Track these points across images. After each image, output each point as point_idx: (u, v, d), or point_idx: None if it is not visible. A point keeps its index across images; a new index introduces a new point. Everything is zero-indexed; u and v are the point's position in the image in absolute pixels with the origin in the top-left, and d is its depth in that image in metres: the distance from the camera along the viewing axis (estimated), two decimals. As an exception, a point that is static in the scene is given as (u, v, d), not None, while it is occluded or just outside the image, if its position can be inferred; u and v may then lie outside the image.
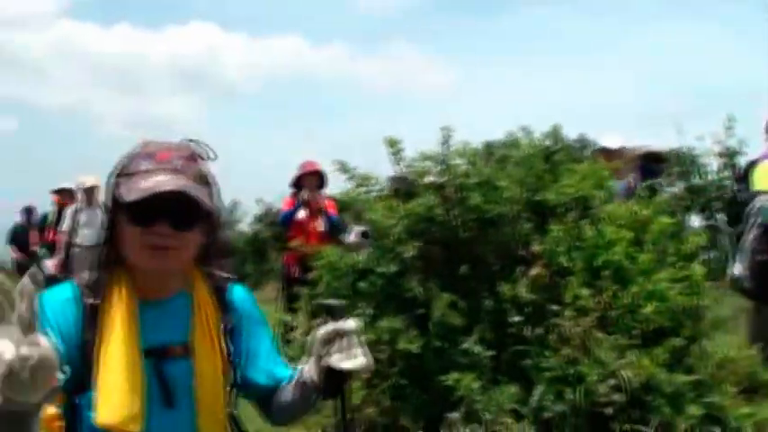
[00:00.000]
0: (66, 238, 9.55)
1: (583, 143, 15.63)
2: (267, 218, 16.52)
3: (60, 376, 1.24)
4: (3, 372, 1.13)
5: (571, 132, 14.87)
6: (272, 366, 1.81)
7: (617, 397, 3.81)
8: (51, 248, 10.53)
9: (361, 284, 4.19)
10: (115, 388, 1.53)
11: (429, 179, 4.34)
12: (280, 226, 8.90)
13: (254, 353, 1.78)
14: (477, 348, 3.95)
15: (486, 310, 4.20)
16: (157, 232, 1.56)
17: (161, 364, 1.62)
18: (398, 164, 4.54)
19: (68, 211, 9.76)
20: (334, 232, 7.38)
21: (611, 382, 3.84)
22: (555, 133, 4.88)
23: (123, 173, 1.60)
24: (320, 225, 7.65)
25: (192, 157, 1.64)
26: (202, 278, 1.76)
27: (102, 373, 1.55)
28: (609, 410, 3.81)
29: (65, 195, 10.77)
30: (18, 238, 12.48)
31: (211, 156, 1.68)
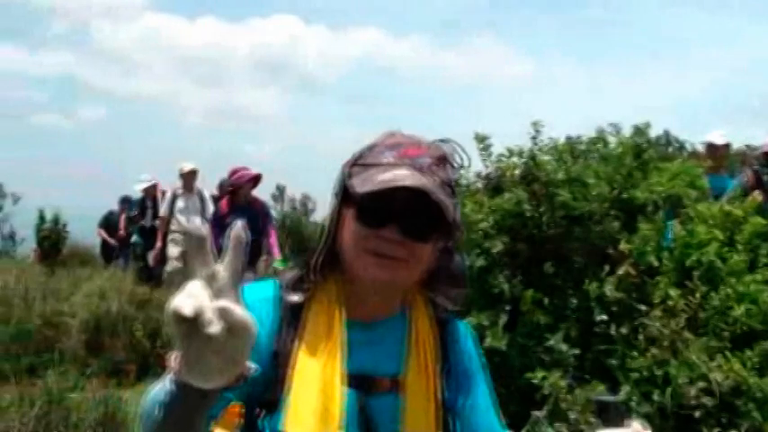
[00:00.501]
0: (163, 225, 9.59)
1: (668, 140, 15.23)
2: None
3: (252, 366, 1.03)
4: (182, 330, 0.93)
5: (654, 129, 14.54)
6: (490, 424, 1.48)
7: (706, 400, 3.75)
8: (141, 232, 10.87)
9: None
10: (309, 412, 1.27)
11: (516, 175, 4.33)
12: None
13: (471, 404, 1.46)
14: (563, 346, 3.94)
15: (572, 309, 4.18)
16: (385, 237, 1.30)
17: (366, 397, 1.33)
18: (486, 159, 4.53)
19: (166, 197, 9.77)
20: None
21: (701, 384, 3.77)
22: (643, 130, 4.78)
23: (360, 162, 1.36)
24: None
25: (442, 160, 1.35)
26: (424, 304, 1.45)
27: (295, 392, 1.29)
28: (697, 413, 3.75)
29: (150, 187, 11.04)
30: (109, 222, 12.98)
31: (464, 162, 1.40)
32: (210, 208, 9.42)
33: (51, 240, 13.84)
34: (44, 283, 8.84)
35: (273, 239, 8.17)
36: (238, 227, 0.99)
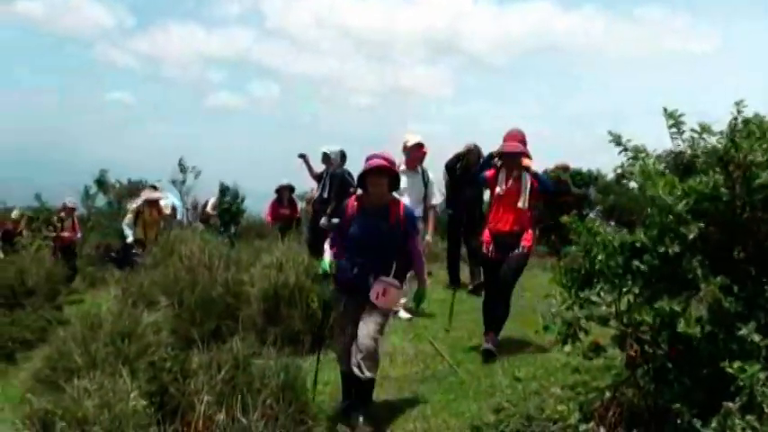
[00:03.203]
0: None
1: None
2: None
3: None
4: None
5: None
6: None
7: None
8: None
9: (636, 263, 4.02)
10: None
11: (712, 155, 4.07)
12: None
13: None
14: (755, 336, 3.70)
15: (766, 297, 3.91)
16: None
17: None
18: (678, 137, 4.30)
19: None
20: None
21: None
22: None
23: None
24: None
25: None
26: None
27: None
28: None
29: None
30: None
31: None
32: (434, 189, 9.60)
33: (231, 213, 14.60)
34: (226, 253, 9.30)
35: None
36: None
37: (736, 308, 3.82)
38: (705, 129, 4.14)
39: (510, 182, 7.34)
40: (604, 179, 18.30)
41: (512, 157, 7.32)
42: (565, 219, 4.37)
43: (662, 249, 3.87)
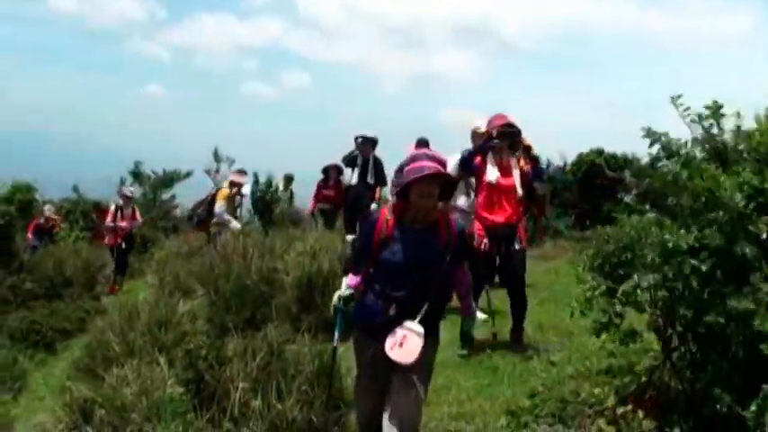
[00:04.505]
0: None
1: None
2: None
3: None
4: None
5: None
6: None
7: None
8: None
9: (693, 262, 3.91)
10: None
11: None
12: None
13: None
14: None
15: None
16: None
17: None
18: (717, 128, 4.22)
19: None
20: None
21: None
22: None
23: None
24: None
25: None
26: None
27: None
28: None
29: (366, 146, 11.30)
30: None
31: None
32: None
33: (265, 201, 14.66)
34: (261, 242, 9.35)
35: None
36: None
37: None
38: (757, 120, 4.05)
39: (503, 168, 6.86)
40: (639, 162, 18.11)
41: (512, 137, 6.80)
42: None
43: (737, 251, 3.76)
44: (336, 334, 4.46)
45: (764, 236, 3.73)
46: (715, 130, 4.24)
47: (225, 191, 11.49)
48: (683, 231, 3.87)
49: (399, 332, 3.94)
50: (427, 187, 3.96)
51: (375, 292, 4.07)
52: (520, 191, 6.84)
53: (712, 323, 3.71)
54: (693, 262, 3.79)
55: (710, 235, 3.78)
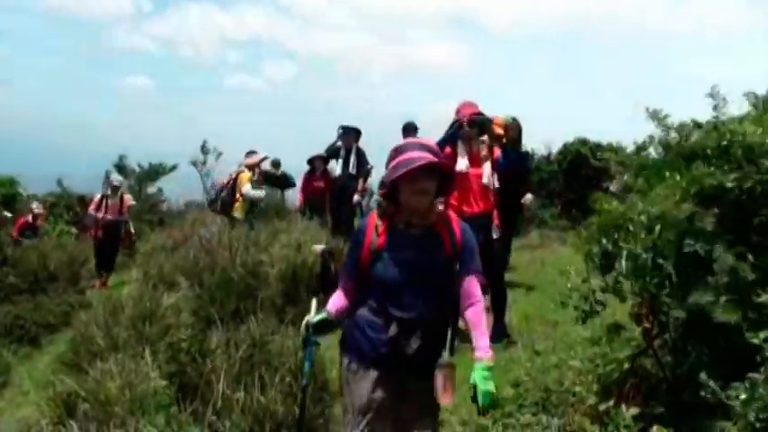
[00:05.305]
0: None
1: None
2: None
3: None
4: None
5: None
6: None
7: None
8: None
9: (660, 261, 3.93)
10: None
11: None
12: None
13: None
14: (773, 305, 3.65)
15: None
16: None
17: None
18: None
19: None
20: None
21: None
22: None
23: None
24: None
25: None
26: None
27: None
28: None
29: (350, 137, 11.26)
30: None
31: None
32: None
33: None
34: (246, 234, 9.34)
35: None
36: None
37: (754, 276, 3.78)
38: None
39: (473, 157, 6.73)
40: (624, 152, 18.19)
41: (483, 125, 6.58)
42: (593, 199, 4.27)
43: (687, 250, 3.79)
44: (306, 367, 3.60)
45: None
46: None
47: (246, 174, 11.36)
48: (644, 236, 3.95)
49: (441, 373, 3.34)
50: (420, 183, 3.25)
51: (372, 309, 3.37)
52: (485, 179, 6.70)
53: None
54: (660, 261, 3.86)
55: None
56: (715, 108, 4.23)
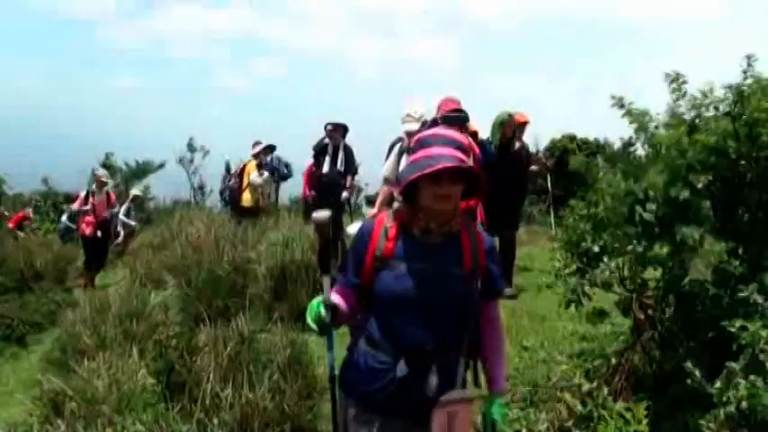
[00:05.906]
0: None
1: None
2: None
3: None
4: None
5: None
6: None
7: None
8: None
9: (639, 210, 3.95)
10: None
11: (720, 109, 4.03)
12: None
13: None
14: (758, 297, 3.68)
15: (769, 258, 3.90)
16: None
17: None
18: (680, 98, 4.28)
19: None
20: None
21: None
22: None
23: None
24: None
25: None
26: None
27: None
28: None
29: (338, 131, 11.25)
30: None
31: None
32: None
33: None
34: (233, 232, 9.31)
35: None
36: None
37: (740, 269, 3.81)
38: (706, 94, 4.11)
39: None
40: (611, 148, 18.23)
41: (457, 122, 6.28)
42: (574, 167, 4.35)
43: (673, 194, 3.83)
44: (330, 359, 2.98)
45: (700, 185, 3.83)
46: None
47: (253, 163, 12.31)
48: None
49: (441, 411, 2.65)
50: (444, 186, 2.65)
51: (374, 341, 2.74)
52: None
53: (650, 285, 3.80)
54: (639, 210, 3.91)
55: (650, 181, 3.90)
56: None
